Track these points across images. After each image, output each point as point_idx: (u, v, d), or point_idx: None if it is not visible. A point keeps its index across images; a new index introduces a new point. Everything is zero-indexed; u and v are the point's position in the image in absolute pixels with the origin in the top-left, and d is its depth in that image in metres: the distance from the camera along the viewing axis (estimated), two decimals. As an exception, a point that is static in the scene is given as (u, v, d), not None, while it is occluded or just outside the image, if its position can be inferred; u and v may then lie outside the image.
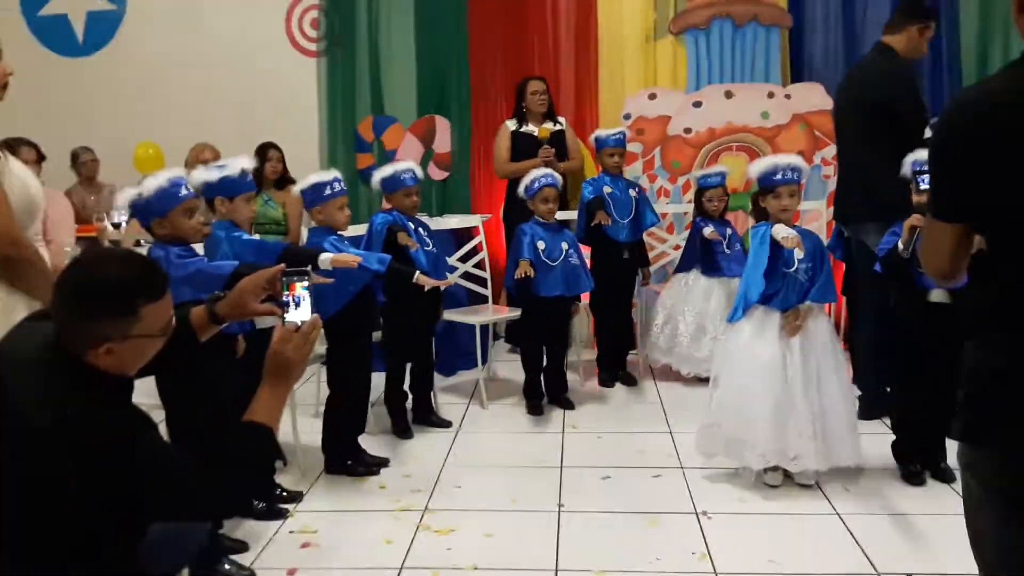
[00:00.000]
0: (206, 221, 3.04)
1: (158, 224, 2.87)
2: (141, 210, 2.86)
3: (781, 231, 3.42)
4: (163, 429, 2.58)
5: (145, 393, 2.63)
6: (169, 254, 2.85)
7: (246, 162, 3.30)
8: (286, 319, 1.88)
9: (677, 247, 5.51)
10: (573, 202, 5.26)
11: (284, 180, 5.61)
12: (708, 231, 4.90)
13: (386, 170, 4.20)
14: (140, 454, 1.60)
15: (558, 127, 5.38)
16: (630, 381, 5.16)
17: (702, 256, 5.01)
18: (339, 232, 3.67)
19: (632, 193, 5.00)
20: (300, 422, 4.18)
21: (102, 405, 1.62)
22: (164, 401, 2.95)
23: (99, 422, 1.59)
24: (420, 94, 6.36)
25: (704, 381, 4.42)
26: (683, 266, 5.11)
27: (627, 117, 5.85)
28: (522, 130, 5.39)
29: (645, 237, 5.15)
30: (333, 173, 3.70)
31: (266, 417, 1.82)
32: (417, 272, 3.78)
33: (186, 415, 2.94)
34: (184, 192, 2.87)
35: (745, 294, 3.59)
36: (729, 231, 4.99)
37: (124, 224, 4.28)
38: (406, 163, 4.25)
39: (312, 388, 4.84)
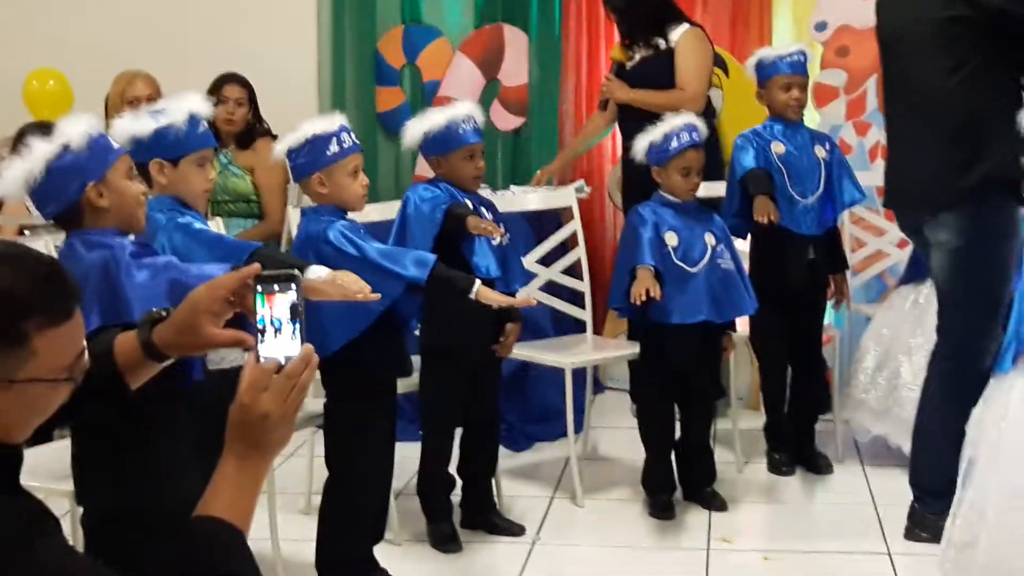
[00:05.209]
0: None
1: (95, 195, 2.59)
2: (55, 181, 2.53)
3: None
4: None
5: (48, 472, 2.78)
6: (116, 252, 2.52)
7: (198, 103, 2.93)
8: (261, 353, 1.64)
9: (904, 243, 4.97)
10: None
11: (251, 132, 5.17)
12: None
13: (433, 118, 3.77)
14: (30, 568, 1.44)
15: (660, 47, 4.85)
16: (820, 466, 4.61)
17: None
18: (350, 214, 3.38)
19: (820, 153, 4.48)
20: (283, 522, 3.71)
21: None
22: (77, 485, 2.72)
23: None
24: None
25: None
26: (911, 274, 4.61)
27: (821, 27, 5.35)
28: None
29: (848, 223, 4.74)
30: (339, 121, 3.35)
31: (229, 510, 1.60)
32: (478, 282, 3.41)
33: (113, 508, 2.60)
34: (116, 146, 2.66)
35: (1020, 327, 3.15)
36: None
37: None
38: (463, 105, 3.86)
39: (301, 467, 4.35)
